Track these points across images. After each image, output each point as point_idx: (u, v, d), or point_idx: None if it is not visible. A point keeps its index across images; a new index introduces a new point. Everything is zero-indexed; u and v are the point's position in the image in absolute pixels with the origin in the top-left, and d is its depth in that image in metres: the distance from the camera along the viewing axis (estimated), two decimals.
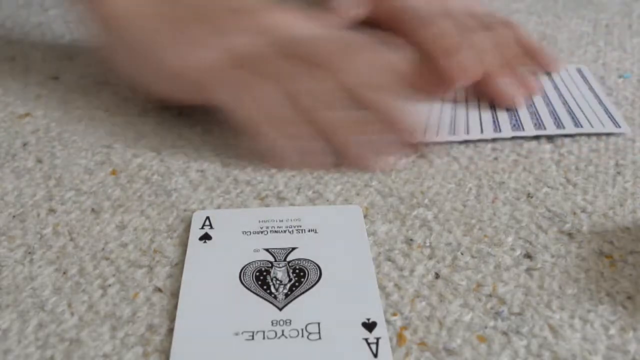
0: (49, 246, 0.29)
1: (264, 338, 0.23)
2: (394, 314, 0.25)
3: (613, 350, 0.23)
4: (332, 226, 0.29)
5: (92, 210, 0.31)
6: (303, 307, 0.25)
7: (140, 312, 0.25)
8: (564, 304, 0.25)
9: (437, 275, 0.27)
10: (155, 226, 0.30)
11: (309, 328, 0.24)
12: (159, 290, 0.26)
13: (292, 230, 0.29)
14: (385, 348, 0.23)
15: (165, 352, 0.23)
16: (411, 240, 0.29)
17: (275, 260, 0.27)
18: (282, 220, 0.30)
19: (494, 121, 0.38)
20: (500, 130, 0.37)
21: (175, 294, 0.26)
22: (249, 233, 0.29)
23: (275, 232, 0.29)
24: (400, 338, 0.24)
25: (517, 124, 0.38)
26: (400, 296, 0.26)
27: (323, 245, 0.28)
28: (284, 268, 0.27)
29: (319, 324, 0.24)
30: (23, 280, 0.27)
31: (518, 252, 0.28)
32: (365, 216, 0.30)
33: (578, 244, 0.28)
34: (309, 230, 0.29)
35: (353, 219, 0.30)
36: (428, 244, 0.28)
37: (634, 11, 0.56)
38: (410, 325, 0.24)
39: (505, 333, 0.24)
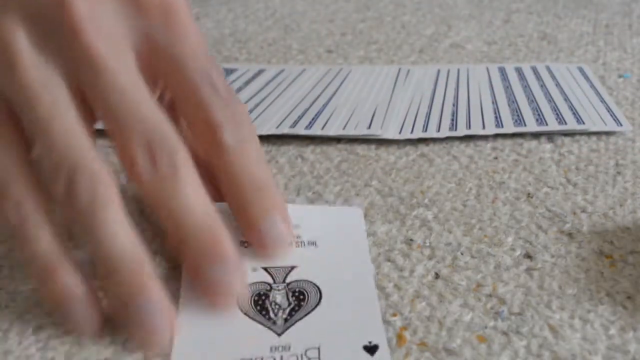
0: None
1: None
2: (394, 315, 0.25)
3: (613, 350, 0.23)
4: (332, 236, 0.29)
5: None
6: (302, 332, 0.24)
7: None
8: (564, 304, 0.25)
9: (437, 276, 0.27)
10: (155, 227, 0.30)
11: (309, 353, 0.23)
12: None
13: (292, 244, 0.28)
14: None
15: (166, 357, 0.23)
16: (411, 240, 0.29)
17: (274, 282, 0.26)
18: None
19: (496, 117, 0.38)
20: (502, 126, 0.37)
21: (176, 297, 0.26)
22: (246, 244, 0.28)
23: None
24: (400, 338, 0.24)
25: (519, 120, 0.38)
26: (400, 296, 0.26)
27: (323, 263, 0.27)
28: (283, 291, 0.26)
29: (318, 348, 0.23)
30: (23, 281, 0.27)
31: (518, 252, 0.28)
32: (365, 216, 0.30)
33: (578, 244, 0.28)
34: (308, 243, 0.28)
35: (354, 226, 0.29)
36: (428, 244, 0.28)
37: (634, 11, 0.56)
38: (410, 326, 0.24)
39: (505, 333, 0.24)
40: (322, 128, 0.38)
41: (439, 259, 0.28)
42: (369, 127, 0.38)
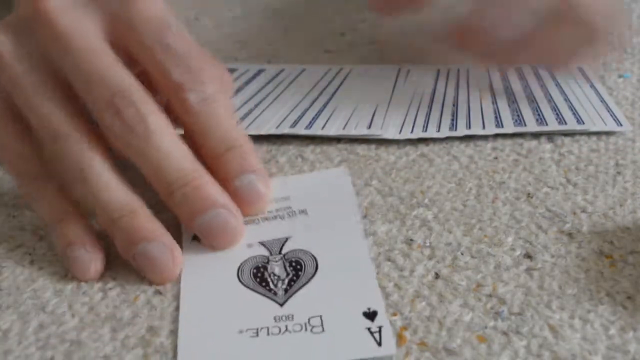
0: (49, 247, 0.29)
1: (268, 334, 0.23)
2: (394, 314, 0.25)
3: (613, 350, 0.23)
4: (321, 202, 0.30)
5: None
6: (303, 301, 0.25)
7: (141, 314, 0.25)
8: (564, 304, 0.25)
9: (437, 275, 0.27)
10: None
11: (312, 321, 0.24)
12: (159, 293, 0.26)
13: (283, 215, 0.29)
14: (388, 336, 0.23)
15: (166, 354, 0.23)
16: (411, 240, 0.29)
17: (271, 255, 0.27)
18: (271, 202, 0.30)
19: (496, 117, 0.38)
20: (502, 126, 0.37)
21: (176, 296, 0.26)
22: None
23: (266, 219, 0.29)
24: (400, 338, 0.24)
25: (519, 120, 0.38)
26: (400, 296, 0.26)
27: (316, 230, 0.28)
28: (280, 262, 0.27)
29: (321, 316, 0.24)
30: (24, 281, 0.27)
31: (518, 252, 0.28)
32: (365, 216, 0.30)
33: (578, 244, 0.28)
34: (299, 212, 0.29)
35: (341, 186, 0.31)
36: (428, 244, 0.28)
37: (634, 11, 0.56)
38: (410, 325, 0.24)
39: (505, 333, 0.24)
40: (322, 128, 0.38)
41: (439, 259, 0.27)
42: (369, 127, 0.37)
